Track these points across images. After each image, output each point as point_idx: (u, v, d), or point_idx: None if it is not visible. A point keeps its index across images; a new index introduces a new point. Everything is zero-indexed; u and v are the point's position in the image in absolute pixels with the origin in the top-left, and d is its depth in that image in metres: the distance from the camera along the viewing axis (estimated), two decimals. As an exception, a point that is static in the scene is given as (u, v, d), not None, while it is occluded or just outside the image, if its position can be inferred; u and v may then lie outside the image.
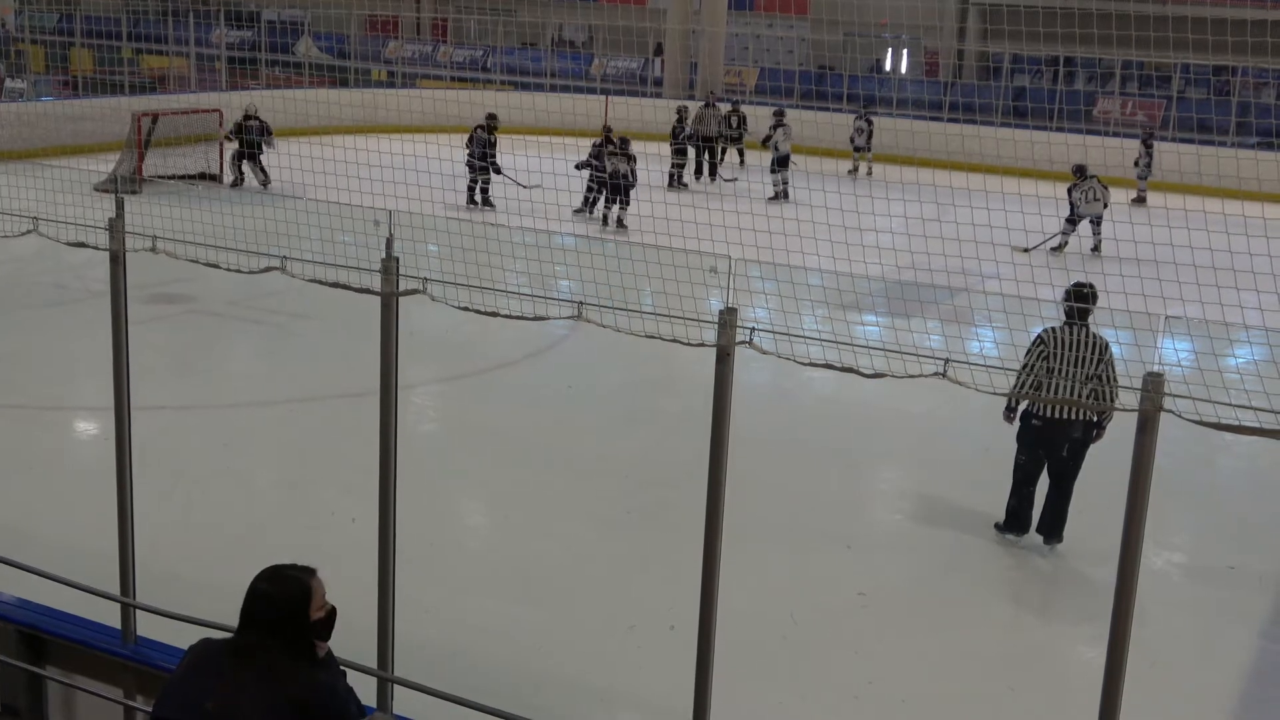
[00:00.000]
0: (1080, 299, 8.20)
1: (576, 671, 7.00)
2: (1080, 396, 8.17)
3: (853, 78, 34.61)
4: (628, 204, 19.61)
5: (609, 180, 19.68)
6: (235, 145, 21.72)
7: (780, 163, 22.49)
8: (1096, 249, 19.18)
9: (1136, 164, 24.03)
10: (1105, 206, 19.27)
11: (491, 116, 20.53)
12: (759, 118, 26.15)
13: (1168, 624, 7.58)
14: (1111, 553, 4.18)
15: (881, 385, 4.86)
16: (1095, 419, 8.35)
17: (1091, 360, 8.16)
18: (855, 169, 26.20)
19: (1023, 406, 8.46)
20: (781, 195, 21.53)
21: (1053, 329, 8.23)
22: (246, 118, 21.65)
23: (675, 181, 23.86)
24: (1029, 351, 8.22)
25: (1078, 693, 6.10)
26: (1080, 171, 19.52)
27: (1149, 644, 5.49)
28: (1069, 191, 19.56)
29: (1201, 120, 26.10)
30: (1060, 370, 8.15)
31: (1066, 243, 19.45)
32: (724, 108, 26.68)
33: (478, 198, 20.64)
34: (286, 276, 5.70)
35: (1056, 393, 8.18)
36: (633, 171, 19.99)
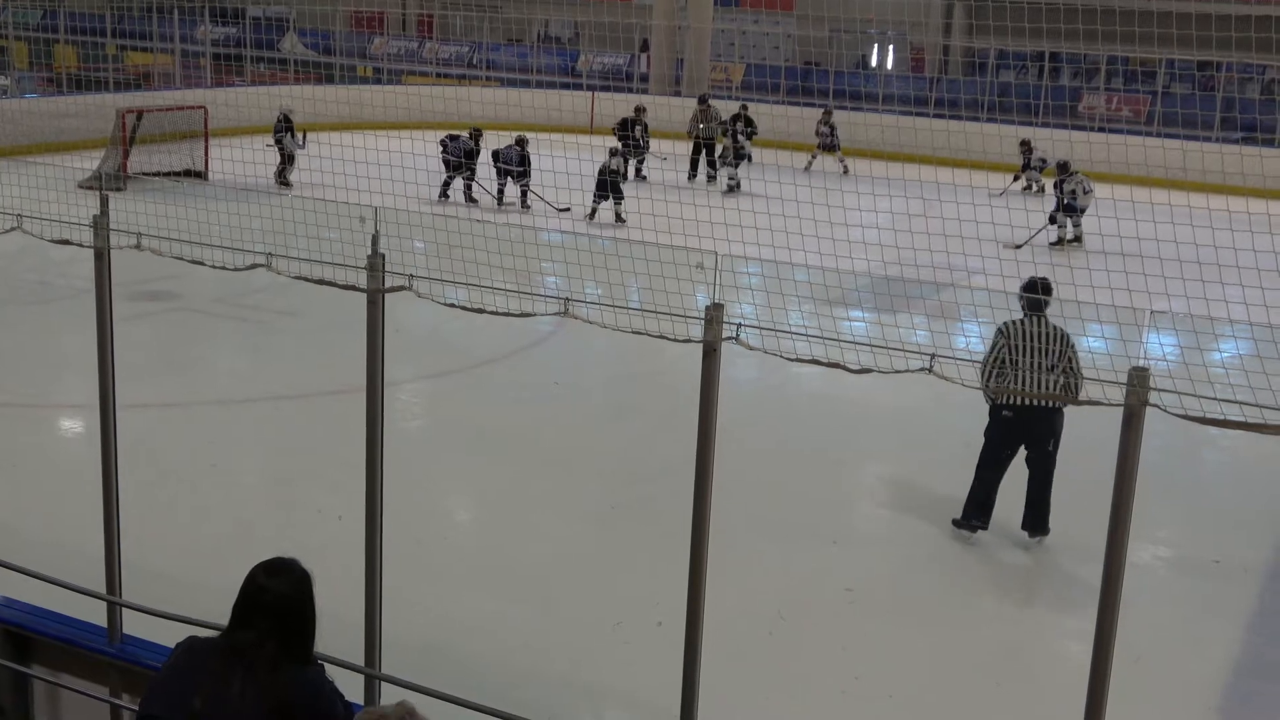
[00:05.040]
0: (1042, 291, 8.35)
1: (564, 668, 7.00)
2: (1048, 385, 8.24)
3: (839, 74, 34.63)
4: (621, 198, 19.72)
5: (599, 178, 19.79)
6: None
7: (738, 157, 23.63)
8: (1078, 240, 19.50)
9: (1028, 166, 24.65)
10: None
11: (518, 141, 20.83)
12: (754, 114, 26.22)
13: (1153, 618, 7.59)
14: (1097, 547, 4.19)
15: (868, 380, 4.87)
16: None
17: (1055, 350, 8.26)
18: (810, 164, 26.13)
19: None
20: (736, 188, 22.90)
21: (1012, 322, 8.35)
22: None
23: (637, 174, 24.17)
24: (992, 344, 8.33)
25: (1064, 687, 6.12)
26: (1065, 166, 19.67)
27: (1135, 638, 5.51)
28: (1058, 186, 19.76)
29: (1186, 115, 26.17)
30: (1023, 361, 8.21)
31: (1064, 236, 19.66)
32: (716, 107, 26.70)
33: (449, 194, 21.06)
34: (272, 274, 5.68)
35: (1024, 383, 8.26)
36: (625, 165, 20.21)
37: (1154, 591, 8.09)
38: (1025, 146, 24.55)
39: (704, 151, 25.26)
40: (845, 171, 24.81)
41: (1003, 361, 8.25)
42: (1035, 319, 8.33)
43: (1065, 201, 19.59)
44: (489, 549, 8.61)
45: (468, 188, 21.21)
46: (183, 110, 22.64)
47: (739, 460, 7.85)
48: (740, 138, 24.49)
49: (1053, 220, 19.45)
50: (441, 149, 20.78)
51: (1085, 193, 19.36)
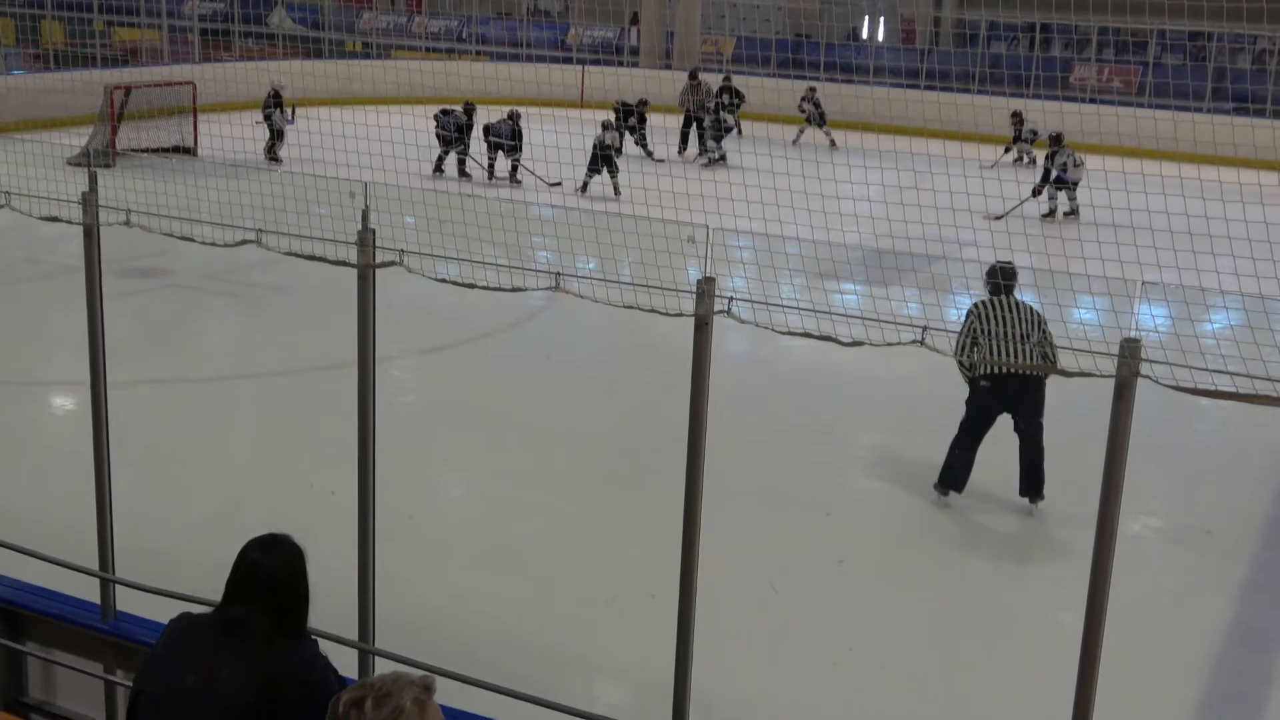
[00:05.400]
0: (1005, 275, 8.54)
1: (557, 641, 7.02)
2: (1025, 355, 8.33)
3: (829, 46, 34.52)
4: (617, 171, 19.72)
5: (593, 152, 19.79)
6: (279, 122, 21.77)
7: (724, 130, 23.81)
8: (1074, 213, 19.46)
9: (1019, 138, 24.74)
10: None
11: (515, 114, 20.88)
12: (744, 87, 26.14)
13: (1144, 588, 7.62)
14: (1089, 517, 4.20)
15: (860, 353, 4.87)
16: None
17: (1026, 320, 8.42)
18: (799, 138, 26.13)
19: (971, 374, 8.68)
20: (720, 160, 23.13)
21: (982, 301, 8.54)
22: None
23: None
24: (964, 323, 8.50)
25: (1055, 656, 6.14)
26: (1058, 139, 19.65)
27: (1126, 608, 5.52)
28: (1049, 158, 19.76)
29: (1178, 86, 26.12)
30: (997, 331, 8.38)
31: (1056, 208, 19.71)
32: (707, 81, 26.63)
33: (444, 168, 21.09)
34: (262, 249, 5.67)
35: (1000, 354, 8.38)
36: (620, 137, 20.29)
37: (1145, 562, 8.12)
38: (1016, 118, 24.54)
39: (694, 125, 25.22)
40: (833, 145, 24.76)
41: (975, 335, 8.40)
42: (1003, 298, 8.50)
43: (1056, 174, 19.58)
44: (482, 523, 8.61)
45: (461, 162, 21.26)
46: (171, 86, 22.53)
47: (731, 433, 7.85)
48: (722, 111, 24.46)
49: (1036, 193, 19.39)
50: (435, 124, 20.79)
51: (1076, 165, 19.33)
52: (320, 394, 10.47)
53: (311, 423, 9.93)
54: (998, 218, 15.93)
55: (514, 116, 20.58)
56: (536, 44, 36.51)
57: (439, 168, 21.01)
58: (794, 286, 6.02)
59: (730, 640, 6.73)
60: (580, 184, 19.84)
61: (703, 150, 24.13)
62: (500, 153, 20.80)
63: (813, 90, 26.66)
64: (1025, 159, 24.39)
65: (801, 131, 26.12)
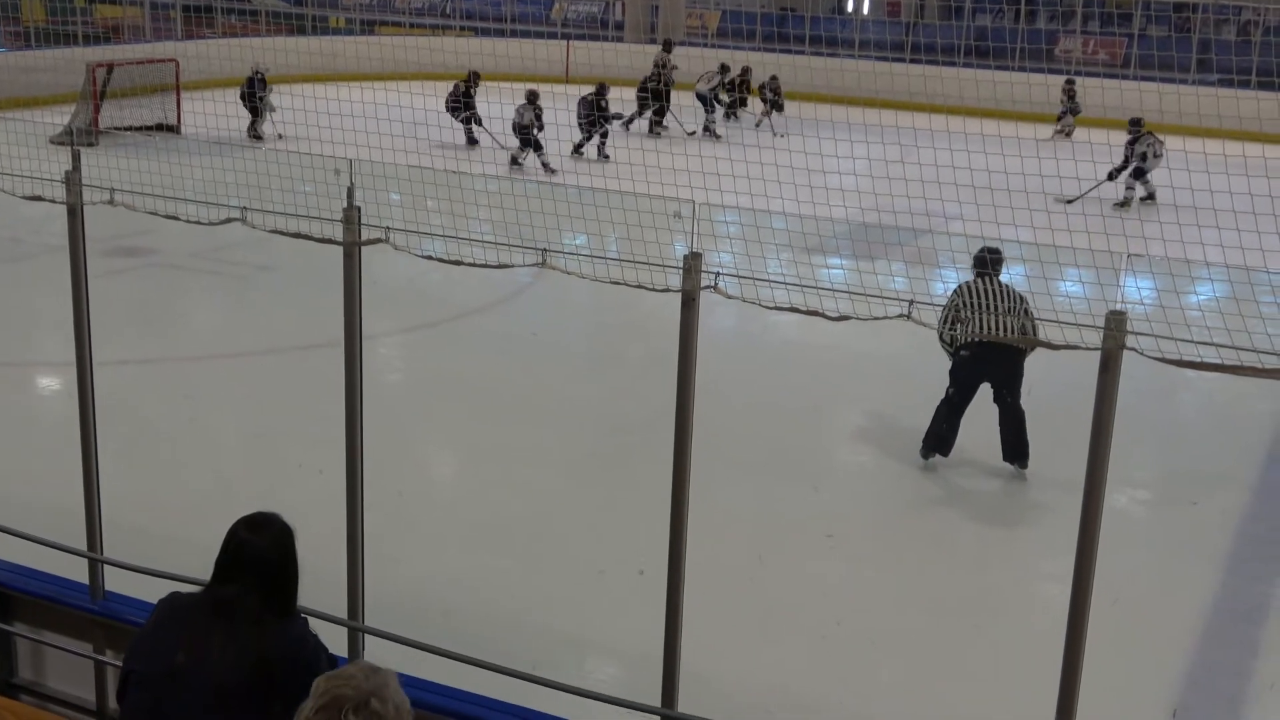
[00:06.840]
0: (989, 261, 8.60)
1: (547, 618, 7.02)
2: (1007, 328, 8.48)
3: (814, 19, 34.42)
4: (541, 148, 19.80)
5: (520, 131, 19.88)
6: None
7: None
8: (1150, 197, 18.02)
9: (1067, 112, 24.71)
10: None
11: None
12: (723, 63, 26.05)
13: (1131, 560, 7.65)
14: (1074, 482, 4.21)
15: (847, 327, 4.88)
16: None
17: (1010, 295, 8.54)
18: (760, 121, 26.14)
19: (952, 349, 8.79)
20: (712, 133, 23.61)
21: (967, 282, 8.65)
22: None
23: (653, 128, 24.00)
24: (948, 301, 8.61)
25: (1043, 629, 6.17)
26: (1138, 123, 17.93)
27: (1112, 580, 5.55)
28: (1131, 145, 18.11)
29: (1163, 58, 26.13)
30: (981, 304, 8.50)
31: (1132, 198, 18.23)
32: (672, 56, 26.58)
33: (476, 138, 21.32)
34: (247, 227, 5.65)
35: (983, 327, 8.47)
36: (535, 113, 20.25)
37: (1132, 534, 8.15)
38: (1069, 86, 24.21)
39: (664, 98, 25.01)
40: (774, 134, 24.46)
41: (958, 310, 8.52)
42: (988, 279, 8.59)
43: (1135, 164, 18.01)
44: (470, 501, 8.62)
45: (468, 131, 21.32)
46: (154, 63, 22.40)
47: (718, 408, 7.86)
48: (721, 95, 24.57)
49: (1111, 177, 17.77)
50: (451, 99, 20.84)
51: (1156, 156, 17.66)
52: (307, 372, 10.46)
53: (299, 401, 9.91)
54: (1070, 201, 15.12)
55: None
56: (521, 19, 36.31)
57: (473, 139, 21.18)
58: (781, 261, 6.01)
59: (720, 615, 6.76)
60: (543, 163, 19.79)
61: (656, 123, 24.17)
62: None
63: (774, 79, 26.48)
64: (1066, 132, 24.07)
65: (759, 119, 26.12)
